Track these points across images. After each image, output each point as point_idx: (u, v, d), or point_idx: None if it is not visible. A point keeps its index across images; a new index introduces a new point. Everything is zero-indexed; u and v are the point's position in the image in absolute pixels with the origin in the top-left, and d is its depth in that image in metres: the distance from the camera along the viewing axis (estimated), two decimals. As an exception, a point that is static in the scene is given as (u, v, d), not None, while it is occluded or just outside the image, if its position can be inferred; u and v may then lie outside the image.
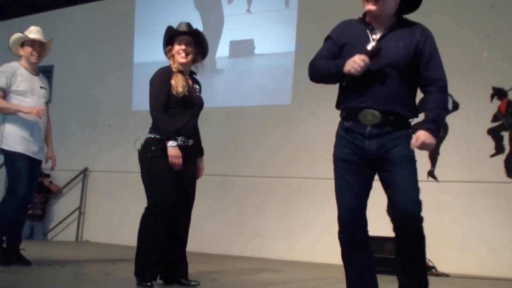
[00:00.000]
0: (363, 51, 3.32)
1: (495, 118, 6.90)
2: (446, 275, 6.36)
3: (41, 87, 5.66)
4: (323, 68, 3.53)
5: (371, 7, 3.38)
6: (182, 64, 4.76)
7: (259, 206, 8.36)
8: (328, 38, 3.58)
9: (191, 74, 4.91)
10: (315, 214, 7.83)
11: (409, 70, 3.39)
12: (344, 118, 3.46)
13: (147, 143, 4.67)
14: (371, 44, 3.35)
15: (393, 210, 3.40)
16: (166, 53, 4.90)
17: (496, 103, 6.92)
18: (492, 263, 6.70)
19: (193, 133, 4.81)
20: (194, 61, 4.87)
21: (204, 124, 8.13)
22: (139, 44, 9.90)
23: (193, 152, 4.81)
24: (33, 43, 5.64)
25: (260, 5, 8.97)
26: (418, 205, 3.36)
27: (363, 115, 3.39)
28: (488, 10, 7.03)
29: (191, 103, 4.73)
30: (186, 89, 4.63)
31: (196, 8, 9.55)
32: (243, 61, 9.07)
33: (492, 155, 6.88)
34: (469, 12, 7.09)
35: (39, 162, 5.60)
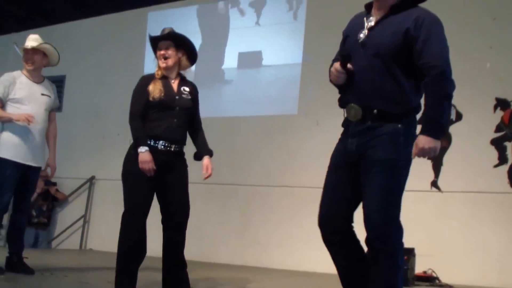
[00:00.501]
0: (356, 41, 3.20)
1: (498, 129, 6.93)
2: (449, 286, 6.35)
3: (42, 94, 5.67)
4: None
5: None
6: (163, 68, 4.77)
7: (263, 214, 8.39)
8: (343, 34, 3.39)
9: (182, 78, 4.90)
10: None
11: (396, 58, 3.10)
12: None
13: (131, 146, 4.70)
14: (363, 33, 3.20)
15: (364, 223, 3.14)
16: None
17: (499, 113, 6.96)
18: (497, 274, 6.68)
19: (180, 137, 4.72)
20: (182, 66, 4.87)
21: (212, 133, 8.25)
22: (150, 55, 9.98)
23: (178, 157, 4.73)
24: (26, 51, 5.68)
25: (269, 18, 9.10)
26: (386, 221, 3.08)
27: (347, 110, 3.20)
28: (491, 23, 7.13)
29: (171, 106, 4.66)
30: (163, 93, 4.59)
31: (205, 20, 9.69)
32: (251, 72, 9.16)
33: (496, 165, 6.90)
34: (472, 25, 7.17)
35: (35, 169, 5.58)
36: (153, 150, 4.52)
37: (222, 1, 9.59)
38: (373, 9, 3.30)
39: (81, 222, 10.05)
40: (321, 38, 8.27)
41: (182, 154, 4.76)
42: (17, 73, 5.66)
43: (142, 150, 4.48)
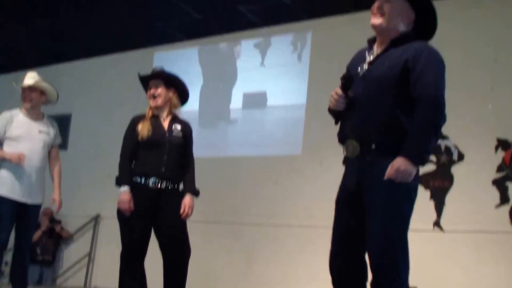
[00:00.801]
0: (356, 75, 3.21)
1: (499, 169, 6.98)
2: (451, 325, 6.36)
3: (40, 132, 5.74)
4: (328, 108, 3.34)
5: (375, 20, 3.27)
6: (154, 107, 4.84)
7: (269, 254, 8.38)
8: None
9: (173, 117, 4.92)
10: (324, 264, 7.83)
11: (395, 91, 3.09)
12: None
13: None
14: (363, 67, 3.23)
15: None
16: None
17: (501, 154, 7.01)
18: (499, 316, 6.67)
19: (171, 174, 4.74)
20: (173, 105, 4.94)
21: (217, 172, 8.38)
22: (155, 94, 10.09)
23: (173, 194, 4.75)
24: (23, 89, 5.76)
25: (274, 59, 9.21)
26: (389, 264, 3.02)
27: (346, 146, 3.20)
28: (492, 64, 7.22)
29: (160, 143, 4.72)
30: (150, 132, 4.68)
31: (210, 61, 9.83)
32: (255, 113, 9.25)
33: (497, 205, 6.94)
34: (473, 66, 7.27)
35: (33, 207, 5.63)
36: (143, 188, 4.59)
37: (227, 42, 9.73)
38: (375, 44, 3.33)
39: (86, 259, 10.06)
40: (325, 79, 8.34)
41: (178, 191, 4.79)
42: (15, 111, 5.74)
43: (121, 190, 4.61)
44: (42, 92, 5.87)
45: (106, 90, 10.82)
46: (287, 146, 8.70)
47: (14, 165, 5.48)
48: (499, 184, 6.97)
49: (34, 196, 5.61)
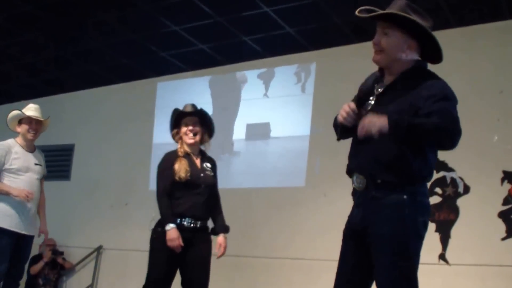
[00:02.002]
0: (366, 107, 3.13)
1: (505, 202, 6.91)
2: None
3: (35, 164, 5.77)
4: (334, 122, 3.28)
5: (374, 57, 3.22)
6: (190, 145, 4.87)
7: (271, 287, 8.28)
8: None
9: (202, 154, 4.99)
10: (327, 297, 7.76)
11: None
12: None
13: (156, 224, 4.77)
14: (372, 99, 3.17)
15: None
16: (173, 136, 5.04)
17: (507, 186, 6.95)
18: None
19: (204, 214, 4.87)
20: (202, 141, 5.01)
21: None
22: (159, 125, 10.10)
23: (203, 232, 4.87)
24: (30, 120, 5.79)
25: (277, 90, 9.20)
26: None
27: (354, 180, 3.15)
28: (498, 96, 7.19)
29: (196, 185, 4.81)
30: (189, 174, 4.75)
31: (213, 91, 9.82)
32: (259, 144, 9.22)
33: (503, 238, 6.87)
34: (479, 97, 7.24)
35: (28, 238, 5.70)
36: (179, 228, 4.61)
37: (231, 73, 9.73)
38: (385, 71, 3.26)
39: (88, 292, 9.97)
40: (329, 110, 8.23)
41: (207, 229, 4.84)
42: (11, 141, 5.77)
43: (168, 228, 4.59)
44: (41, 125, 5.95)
45: (110, 120, 10.81)
46: (291, 178, 8.64)
47: (12, 198, 5.49)
48: (505, 216, 6.90)
49: (31, 228, 5.74)
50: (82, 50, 9.48)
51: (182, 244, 4.61)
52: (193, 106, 5.02)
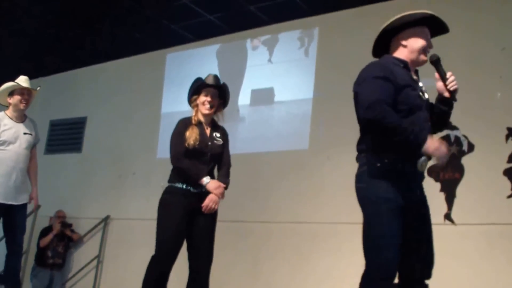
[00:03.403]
0: (419, 97, 3.54)
1: (510, 159, 6.83)
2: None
3: (25, 133, 5.81)
4: (398, 127, 3.36)
5: (426, 58, 3.64)
6: (205, 115, 4.92)
7: (276, 252, 8.29)
8: (383, 78, 3.46)
9: (213, 123, 5.05)
10: (333, 261, 7.76)
11: None
12: (397, 160, 3.42)
13: (164, 191, 4.80)
14: (422, 91, 3.60)
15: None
16: (190, 103, 5.09)
17: (511, 143, 6.89)
18: (513, 308, 6.55)
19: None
20: (215, 111, 5.08)
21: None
22: (167, 95, 10.14)
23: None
24: (22, 91, 5.83)
25: (281, 56, 9.18)
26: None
27: (420, 162, 3.46)
28: (500, 53, 7.09)
29: (203, 153, 4.88)
30: (197, 142, 4.81)
31: (220, 60, 9.83)
32: (263, 109, 9.19)
33: (509, 196, 6.80)
34: (481, 56, 7.15)
35: (19, 207, 5.75)
36: (185, 192, 4.66)
37: (237, 41, 9.73)
38: (411, 68, 3.67)
39: (95, 262, 10.03)
40: (331, 74, 8.32)
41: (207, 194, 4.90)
42: (1, 114, 5.80)
43: (206, 181, 4.79)
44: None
45: (121, 93, 10.89)
46: (294, 142, 8.61)
47: (1, 168, 5.53)
48: (510, 174, 6.82)
49: (20, 197, 5.76)
50: (92, 25, 9.65)
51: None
52: (216, 78, 5.11)
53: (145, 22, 9.46)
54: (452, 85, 3.59)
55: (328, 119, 8.22)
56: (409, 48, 3.60)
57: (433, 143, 3.34)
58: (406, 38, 3.62)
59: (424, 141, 3.32)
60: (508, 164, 6.87)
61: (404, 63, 3.60)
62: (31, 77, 6.13)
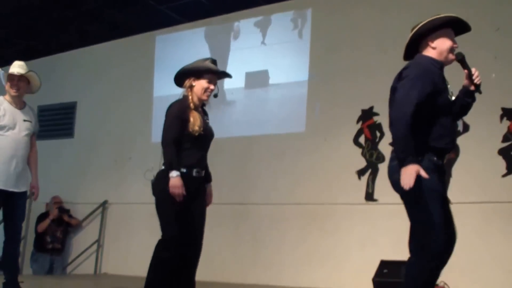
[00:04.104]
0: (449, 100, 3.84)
1: (505, 139, 6.94)
2: (462, 298, 6.32)
3: (24, 120, 5.77)
4: (405, 144, 3.60)
5: (454, 57, 3.88)
6: (202, 100, 4.91)
7: (275, 234, 8.40)
8: (423, 81, 3.66)
9: (202, 106, 5.03)
10: (332, 241, 7.85)
11: None
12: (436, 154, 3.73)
13: (160, 175, 4.76)
14: (451, 93, 3.87)
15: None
16: (182, 83, 4.97)
17: (506, 123, 6.97)
18: (508, 285, 6.63)
19: (206, 165, 4.95)
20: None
21: (221, 154, 8.36)
22: (159, 78, 10.10)
23: (203, 184, 4.94)
24: (12, 77, 5.77)
25: (275, 37, 9.17)
26: None
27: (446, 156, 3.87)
28: (494, 33, 7.16)
29: (206, 138, 4.87)
30: (202, 128, 4.74)
31: (211, 42, 9.80)
32: (258, 92, 9.21)
33: (504, 175, 6.91)
34: (475, 36, 7.14)
35: (20, 194, 5.71)
36: (187, 177, 4.64)
37: (228, 22, 9.69)
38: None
39: (95, 246, 10.11)
40: (326, 55, 8.35)
41: (204, 177, 4.94)
42: (0, 98, 5.77)
43: (174, 175, 4.59)
44: (28, 82, 5.90)
45: (110, 76, 10.84)
46: (291, 124, 8.66)
47: (1, 154, 5.54)
48: (505, 153, 6.93)
49: (21, 185, 5.72)
50: (79, 8, 9.53)
51: (185, 193, 4.62)
52: (211, 62, 5.02)
53: (131, 3, 9.34)
54: (477, 80, 4.00)
55: (324, 100, 8.26)
56: (438, 49, 3.81)
57: (405, 174, 3.52)
58: (434, 40, 3.85)
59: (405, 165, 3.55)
60: (503, 144, 6.97)
61: (440, 65, 3.83)
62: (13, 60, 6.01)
